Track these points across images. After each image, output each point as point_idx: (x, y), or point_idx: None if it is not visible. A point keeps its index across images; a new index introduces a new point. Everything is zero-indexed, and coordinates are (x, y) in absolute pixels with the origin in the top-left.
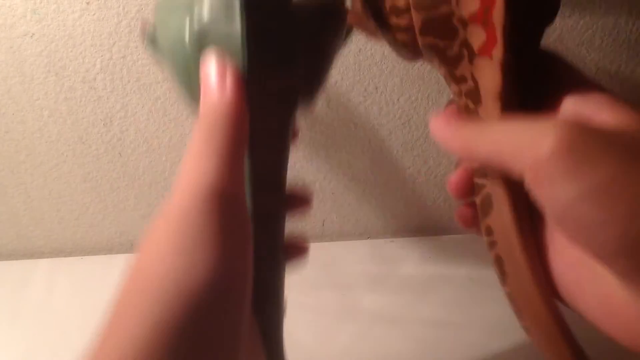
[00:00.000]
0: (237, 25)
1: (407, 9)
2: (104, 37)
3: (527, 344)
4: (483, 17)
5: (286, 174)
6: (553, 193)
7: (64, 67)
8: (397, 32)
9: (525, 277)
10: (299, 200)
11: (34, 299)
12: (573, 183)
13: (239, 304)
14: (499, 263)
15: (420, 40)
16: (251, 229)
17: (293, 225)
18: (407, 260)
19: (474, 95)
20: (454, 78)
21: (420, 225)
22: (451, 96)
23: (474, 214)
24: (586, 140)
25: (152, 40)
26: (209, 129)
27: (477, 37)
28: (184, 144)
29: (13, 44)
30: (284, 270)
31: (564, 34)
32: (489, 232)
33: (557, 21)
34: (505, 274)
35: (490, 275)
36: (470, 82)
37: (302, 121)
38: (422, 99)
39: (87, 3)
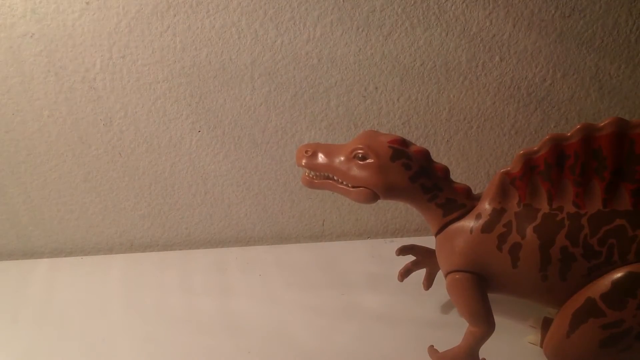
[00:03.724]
0: None
1: None
2: (104, 37)
3: (527, 343)
4: None
5: None
6: None
7: (64, 67)
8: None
9: None
10: None
11: (34, 299)
12: None
13: None
14: None
15: None
16: None
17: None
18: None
19: None
20: None
21: (420, 225)
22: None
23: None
24: None
25: None
26: None
27: None
28: (184, 143)
29: (13, 44)
30: None
31: (564, 34)
32: None
33: (557, 21)
34: None
35: None
36: None
37: (303, 120)
38: (422, 99)
39: (87, 3)
